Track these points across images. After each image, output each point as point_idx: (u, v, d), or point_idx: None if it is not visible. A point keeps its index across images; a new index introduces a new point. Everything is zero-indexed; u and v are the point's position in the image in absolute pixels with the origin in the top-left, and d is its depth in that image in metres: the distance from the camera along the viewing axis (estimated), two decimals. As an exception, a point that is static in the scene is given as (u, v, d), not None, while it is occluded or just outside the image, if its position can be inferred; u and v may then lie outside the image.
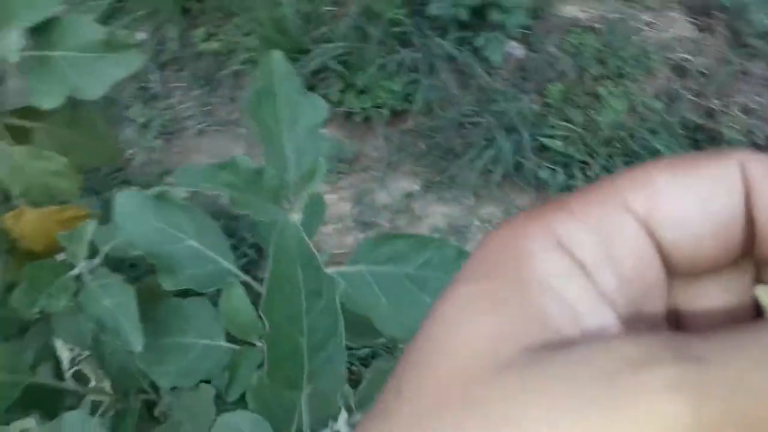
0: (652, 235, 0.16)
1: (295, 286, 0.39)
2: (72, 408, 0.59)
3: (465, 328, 0.14)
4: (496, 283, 0.15)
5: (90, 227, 0.54)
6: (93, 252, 0.57)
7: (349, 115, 1.54)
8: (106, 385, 0.63)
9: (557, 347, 0.13)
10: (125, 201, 0.51)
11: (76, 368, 0.62)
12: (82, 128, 0.70)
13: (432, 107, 1.54)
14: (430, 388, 0.13)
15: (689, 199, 0.15)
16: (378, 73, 1.54)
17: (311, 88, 1.51)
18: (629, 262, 0.15)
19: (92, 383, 0.63)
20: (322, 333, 0.40)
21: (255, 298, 0.49)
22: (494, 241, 0.16)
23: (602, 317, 0.15)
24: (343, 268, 0.48)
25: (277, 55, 0.48)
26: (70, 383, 0.62)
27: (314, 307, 0.39)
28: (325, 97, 1.19)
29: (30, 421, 0.54)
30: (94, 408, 0.61)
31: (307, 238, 0.39)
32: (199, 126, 1.62)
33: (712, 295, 0.17)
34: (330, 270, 0.44)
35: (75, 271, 0.56)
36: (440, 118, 1.52)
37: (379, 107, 1.53)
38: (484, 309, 0.14)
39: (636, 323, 0.16)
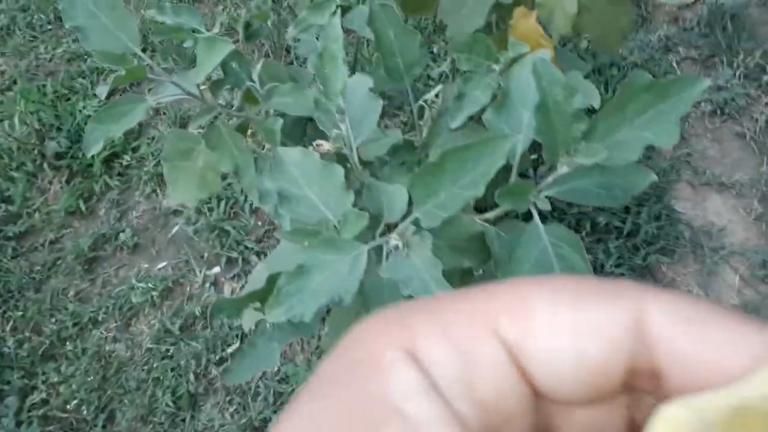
0: (519, 366, 0.14)
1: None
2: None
3: None
4: (341, 402, 0.14)
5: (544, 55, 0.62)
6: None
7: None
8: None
9: None
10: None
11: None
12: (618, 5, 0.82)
13: None
14: None
15: (565, 339, 0.14)
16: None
17: None
18: (488, 391, 0.14)
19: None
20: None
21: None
22: (351, 345, 0.15)
23: None
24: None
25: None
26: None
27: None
28: None
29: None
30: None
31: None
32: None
33: (584, 415, 0.15)
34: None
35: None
36: None
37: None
38: None
39: None
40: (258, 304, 0.53)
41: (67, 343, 1.45)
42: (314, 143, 0.63)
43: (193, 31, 0.82)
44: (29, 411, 1.34)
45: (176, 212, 1.64)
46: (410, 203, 0.62)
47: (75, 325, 1.47)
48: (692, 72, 1.60)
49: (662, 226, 1.36)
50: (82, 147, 0.73)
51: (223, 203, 1.59)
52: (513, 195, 0.58)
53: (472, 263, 0.64)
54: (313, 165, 0.60)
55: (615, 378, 0.14)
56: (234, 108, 0.79)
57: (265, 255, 1.53)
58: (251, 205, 1.59)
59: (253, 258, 1.53)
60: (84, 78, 1.91)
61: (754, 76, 1.55)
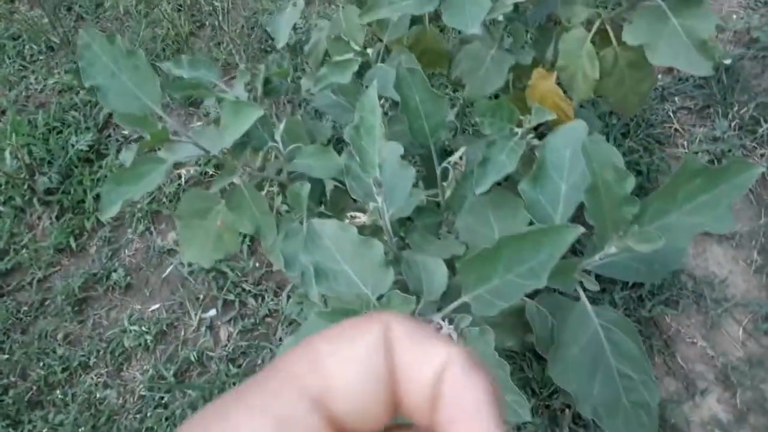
0: (328, 414, 0.16)
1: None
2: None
3: None
4: None
5: (579, 126, 0.62)
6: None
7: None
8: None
9: None
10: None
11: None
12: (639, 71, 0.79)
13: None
14: None
15: (350, 368, 0.17)
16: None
17: None
18: None
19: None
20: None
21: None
22: None
23: None
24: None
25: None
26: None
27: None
28: None
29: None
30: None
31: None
32: None
33: None
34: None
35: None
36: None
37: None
38: None
39: None
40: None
41: (56, 389, 1.39)
42: (349, 215, 0.61)
43: (207, 87, 0.81)
44: (14, 464, 1.28)
45: (170, 252, 1.60)
46: (450, 276, 0.60)
47: (64, 370, 1.42)
48: (688, 122, 1.63)
49: (666, 278, 1.36)
50: (99, 209, 0.70)
51: (220, 244, 1.56)
52: (559, 275, 0.57)
53: (512, 341, 0.62)
54: (349, 239, 0.58)
55: (389, 387, 0.17)
56: (255, 168, 0.77)
57: (263, 298, 1.50)
58: (249, 245, 1.56)
59: (251, 301, 1.49)
60: (77, 111, 1.88)
61: (750, 128, 1.58)
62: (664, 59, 0.78)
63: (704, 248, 1.43)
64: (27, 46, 2.08)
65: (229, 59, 1.93)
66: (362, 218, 0.60)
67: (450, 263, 0.63)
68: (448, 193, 0.81)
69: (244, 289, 1.51)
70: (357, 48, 0.89)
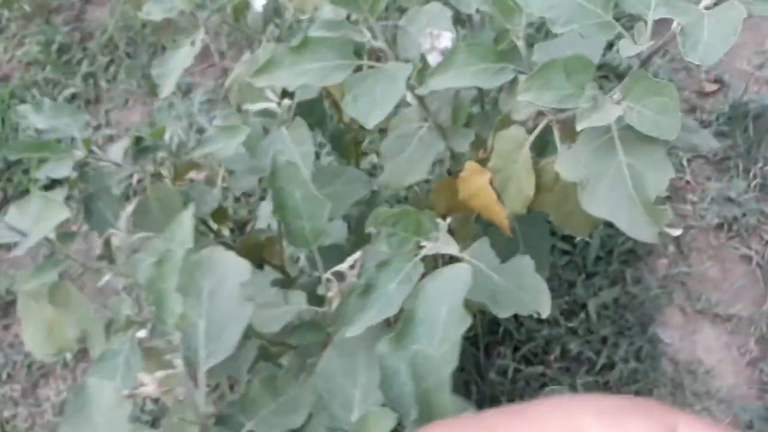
0: None
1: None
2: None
3: None
4: None
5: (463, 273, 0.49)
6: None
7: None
8: None
9: None
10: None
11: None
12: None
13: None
14: None
15: None
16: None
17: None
18: None
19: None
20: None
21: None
22: None
23: None
24: None
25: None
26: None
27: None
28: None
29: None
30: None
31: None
32: None
33: None
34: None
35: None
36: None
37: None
38: None
39: None
40: None
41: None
42: (133, 385, 0.45)
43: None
44: None
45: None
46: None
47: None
48: (702, 174, 1.43)
49: (642, 363, 1.20)
50: None
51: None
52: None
53: None
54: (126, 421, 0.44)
55: None
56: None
57: None
58: None
59: None
60: None
61: (772, 191, 1.37)
62: (601, 210, 0.55)
63: (695, 329, 1.26)
64: None
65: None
66: (149, 387, 0.45)
67: None
68: (334, 304, 0.66)
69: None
70: (274, 98, 0.74)
